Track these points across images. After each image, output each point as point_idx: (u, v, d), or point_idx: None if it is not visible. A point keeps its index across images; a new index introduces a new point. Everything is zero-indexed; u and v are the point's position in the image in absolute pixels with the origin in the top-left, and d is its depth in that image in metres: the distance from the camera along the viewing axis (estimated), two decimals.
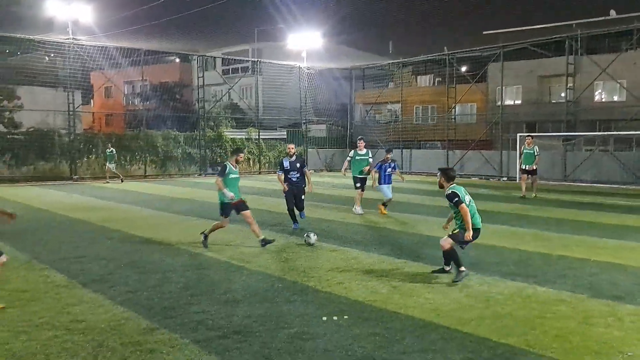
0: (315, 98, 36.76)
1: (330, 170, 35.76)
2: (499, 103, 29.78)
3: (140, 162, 29.67)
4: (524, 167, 18.36)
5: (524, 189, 18.28)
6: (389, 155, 14.33)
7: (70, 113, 27.84)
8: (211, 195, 19.42)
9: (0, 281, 7.20)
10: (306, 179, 12.06)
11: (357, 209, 14.23)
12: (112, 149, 25.55)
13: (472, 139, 30.44)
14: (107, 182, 25.10)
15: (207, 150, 31.69)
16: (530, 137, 18.66)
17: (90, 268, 8.04)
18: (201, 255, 8.99)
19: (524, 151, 18.31)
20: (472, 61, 33.18)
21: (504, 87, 29.17)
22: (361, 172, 14.27)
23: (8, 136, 26.99)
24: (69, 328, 5.44)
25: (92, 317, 5.80)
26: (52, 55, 29.27)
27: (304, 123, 36.23)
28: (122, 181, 25.63)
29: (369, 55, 42.08)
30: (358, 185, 14.33)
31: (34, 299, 6.47)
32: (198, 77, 33.22)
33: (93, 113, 44.65)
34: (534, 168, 18.14)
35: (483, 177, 28.64)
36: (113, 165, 25.57)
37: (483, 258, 8.68)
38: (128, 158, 29.45)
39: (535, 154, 18.01)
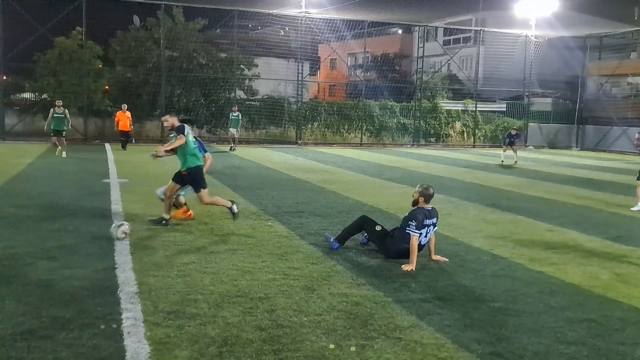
0: (541, 69, 34.19)
1: (553, 147, 33.22)
2: None
3: (357, 131, 30.92)
4: None
5: None
6: None
7: (299, 83, 30.07)
8: (422, 165, 19.66)
9: (233, 228, 8.21)
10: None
11: None
12: (237, 112, 23.85)
13: None
14: (233, 149, 23.17)
15: (421, 121, 31.71)
16: None
17: (308, 223, 8.70)
18: None
19: None
20: None
21: None
22: None
23: (246, 102, 30.17)
24: (286, 273, 5.99)
25: (306, 266, 6.31)
26: (287, 28, 31.81)
27: (526, 96, 34.05)
28: (232, 150, 23.16)
29: (607, 22, 37.51)
30: None
31: (259, 245, 7.23)
32: (418, 48, 33.15)
33: (318, 83, 47.54)
34: None
35: None
36: (235, 130, 23.74)
37: None
38: (346, 126, 30.90)
39: None
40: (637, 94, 32.64)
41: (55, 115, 18.82)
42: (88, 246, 6.78)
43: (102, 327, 4.36)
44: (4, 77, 26.35)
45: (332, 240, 7.20)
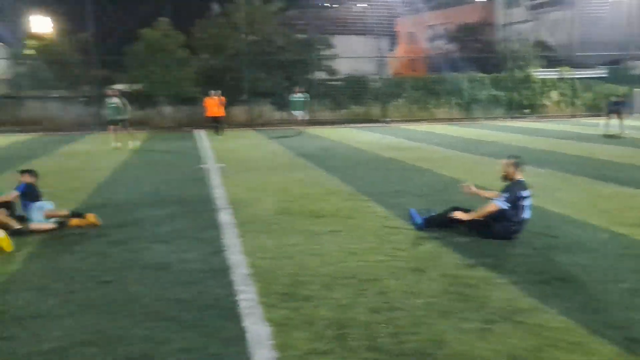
0: None
1: None
2: None
3: (446, 105, 30.09)
4: None
5: None
6: None
7: (380, 59, 29.60)
8: (518, 138, 18.81)
9: (332, 209, 8.21)
10: None
11: None
12: (300, 94, 22.62)
13: None
14: (300, 132, 22.05)
15: (514, 93, 30.38)
16: None
17: (407, 202, 8.50)
18: None
19: None
20: None
21: None
22: None
23: (327, 82, 30.08)
24: (392, 255, 5.90)
25: (412, 247, 6.18)
26: (362, 5, 31.34)
27: (629, 59, 31.73)
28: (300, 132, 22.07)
29: None
30: None
31: (360, 226, 7.16)
32: (502, 15, 31.66)
33: (399, 58, 46.68)
34: None
35: None
36: (300, 113, 22.65)
37: None
38: (433, 102, 30.14)
39: None
40: None
41: (109, 104, 17.96)
42: (196, 230, 7.01)
43: (222, 308, 4.48)
44: (99, 71, 27.78)
45: (417, 217, 6.94)
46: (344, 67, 30.75)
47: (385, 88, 29.77)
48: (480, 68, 31.76)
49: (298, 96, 22.66)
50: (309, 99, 23.02)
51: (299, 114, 22.77)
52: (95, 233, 6.88)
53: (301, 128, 23.08)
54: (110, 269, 5.51)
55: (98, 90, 27.22)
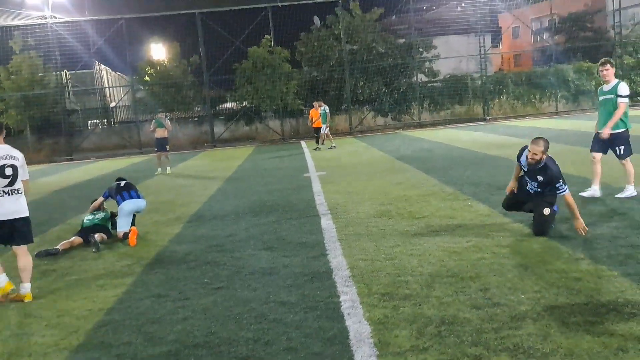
0: None
1: None
2: None
3: (551, 99, 28.78)
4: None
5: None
6: None
7: (482, 57, 28.90)
8: (637, 127, 17.39)
9: (432, 210, 8.18)
10: None
11: None
12: (324, 106, 21.07)
13: None
14: (317, 149, 20.51)
15: (624, 80, 28.36)
16: None
17: None
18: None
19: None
20: None
21: None
22: None
23: (428, 84, 29.87)
24: (494, 252, 5.79)
25: (516, 244, 6.05)
26: (463, 4, 30.84)
27: None
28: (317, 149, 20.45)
29: None
30: None
31: (461, 225, 7.09)
32: (613, 0, 29.75)
33: (502, 54, 45.07)
34: None
35: None
36: (323, 127, 20.91)
37: None
38: (538, 96, 28.96)
39: None
40: None
41: (157, 120, 17.13)
42: (300, 236, 7.28)
43: (324, 309, 4.65)
44: (210, 91, 29.48)
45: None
46: (446, 67, 30.43)
47: (487, 85, 29.00)
48: (590, 57, 30.03)
49: (322, 109, 20.89)
50: (327, 112, 21.17)
51: (322, 128, 20.98)
52: (207, 244, 7.33)
53: (320, 145, 21.08)
54: (221, 276, 5.86)
55: (209, 109, 28.91)
